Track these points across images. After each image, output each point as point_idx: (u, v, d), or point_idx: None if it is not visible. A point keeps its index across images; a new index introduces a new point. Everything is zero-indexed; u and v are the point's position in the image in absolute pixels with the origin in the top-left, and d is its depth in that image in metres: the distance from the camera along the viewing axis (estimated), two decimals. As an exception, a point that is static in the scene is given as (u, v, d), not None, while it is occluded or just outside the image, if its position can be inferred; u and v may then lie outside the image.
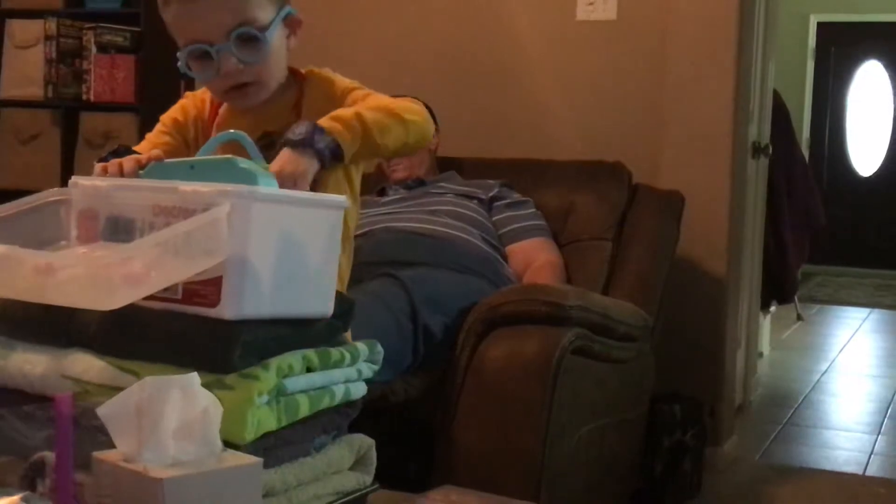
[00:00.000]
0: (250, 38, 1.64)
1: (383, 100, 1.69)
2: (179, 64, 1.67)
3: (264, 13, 1.65)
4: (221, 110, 1.78)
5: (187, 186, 1.16)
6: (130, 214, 1.19)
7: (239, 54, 1.63)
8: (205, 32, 1.63)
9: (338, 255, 1.27)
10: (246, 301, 1.13)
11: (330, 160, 1.54)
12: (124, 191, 1.23)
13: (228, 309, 1.11)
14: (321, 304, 1.23)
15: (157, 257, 1.09)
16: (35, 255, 1.16)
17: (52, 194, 1.31)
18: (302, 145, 1.51)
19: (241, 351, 1.12)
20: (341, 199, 1.27)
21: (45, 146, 4.21)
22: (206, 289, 1.12)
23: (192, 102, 1.81)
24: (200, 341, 1.12)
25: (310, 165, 1.50)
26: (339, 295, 1.26)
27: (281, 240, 1.17)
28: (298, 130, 1.52)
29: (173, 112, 1.81)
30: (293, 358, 1.17)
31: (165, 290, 1.14)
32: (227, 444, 1.02)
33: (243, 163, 1.31)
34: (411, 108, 1.69)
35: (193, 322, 1.13)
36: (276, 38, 1.68)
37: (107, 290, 1.10)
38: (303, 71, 1.79)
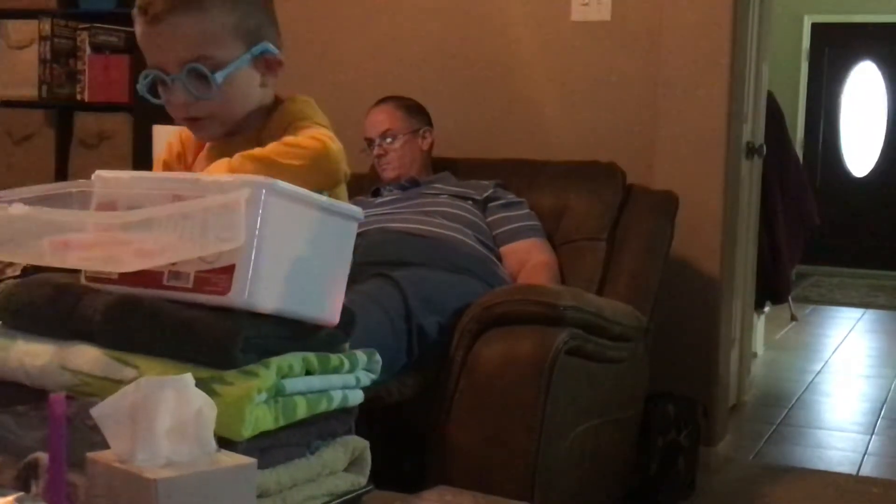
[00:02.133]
0: (202, 75, 1.63)
1: (288, 141, 1.61)
2: (138, 86, 1.68)
3: (225, 51, 1.64)
4: (207, 144, 1.79)
5: (208, 177, 1.16)
6: (149, 205, 1.19)
7: (190, 88, 1.63)
8: (162, 60, 1.64)
9: (349, 266, 1.27)
10: (257, 290, 1.12)
11: None
12: (145, 181, 1.23)
13: (239, 296, 1.11)
14: (327, 312, 1.23)
15: (171, 239, 1.09)
16: (54, 220, 1.16)
17: (73, 185, 1.30)
18: None
19: (243, 346, 1.12)
20: (356, 210, 1.27)
21: (38, 146, 4.21)
22: (218, 276, 1.12)
23: (178, 138, 1.83)
24: (203, 336, 1.12)
25: None
26: (342, 307, 1.26)
27: (295, 238, 1.17)
28: None
29: (163, 154, 1.84)
30: (293, 359, 1.17)
31: (177, 277, 1.14)
32: (223, 442, 1.02)
33: None
34: (298, 153, 1.58)
35: (198, 315, 1.13)
36: (240, 77, 1.66)
37: (117, 260, 1.12)
38: (283, 98, 1.77)
